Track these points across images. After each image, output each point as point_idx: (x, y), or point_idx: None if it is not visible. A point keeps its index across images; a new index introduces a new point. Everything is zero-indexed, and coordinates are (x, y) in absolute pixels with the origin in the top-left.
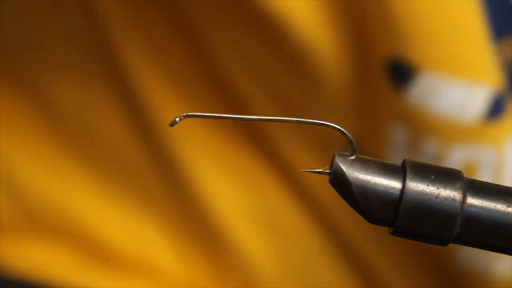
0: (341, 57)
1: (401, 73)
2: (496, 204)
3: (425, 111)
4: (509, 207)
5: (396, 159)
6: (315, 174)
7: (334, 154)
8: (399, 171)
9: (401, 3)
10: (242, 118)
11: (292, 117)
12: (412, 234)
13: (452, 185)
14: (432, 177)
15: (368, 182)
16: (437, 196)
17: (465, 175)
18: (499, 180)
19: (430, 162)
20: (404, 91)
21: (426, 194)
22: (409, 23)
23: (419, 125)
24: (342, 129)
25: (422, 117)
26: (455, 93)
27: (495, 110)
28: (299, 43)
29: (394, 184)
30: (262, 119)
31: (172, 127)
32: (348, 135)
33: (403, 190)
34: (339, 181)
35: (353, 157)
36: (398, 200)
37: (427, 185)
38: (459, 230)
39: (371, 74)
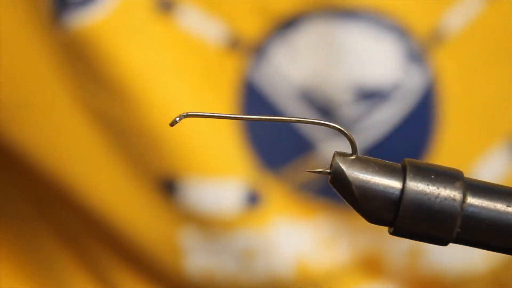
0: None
1: (170, 184)
2: (496, 204)
3: (198, 210)
4: (509, 207)
5: (194, 262)
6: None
7: (334, 153)
8: (399, 171)
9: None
10: (242, 118)
11: (292, 117)
12: (412, 234)
13: (452, 185)
14: (432, 177)
15: (368, 182)
16: (437, 196)
17: (244, 262)
18: (271, 263)
19: (217, 252)
20: (177, 198)
21: (426, 194)
22: (170, 147)
23: (201, 223)
24: (342, 128)
25: (198, 216)
26: (212, 192)
27: (251, 199)
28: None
29: (394, 184)
30: (262, 118)
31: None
32: (349, 134)
33: (403, 190)
34: (339, 181)
35: (353, 157)
36: (398, 200)
37: (427, 185)
38: (459, 230)
39: (148, 190)
